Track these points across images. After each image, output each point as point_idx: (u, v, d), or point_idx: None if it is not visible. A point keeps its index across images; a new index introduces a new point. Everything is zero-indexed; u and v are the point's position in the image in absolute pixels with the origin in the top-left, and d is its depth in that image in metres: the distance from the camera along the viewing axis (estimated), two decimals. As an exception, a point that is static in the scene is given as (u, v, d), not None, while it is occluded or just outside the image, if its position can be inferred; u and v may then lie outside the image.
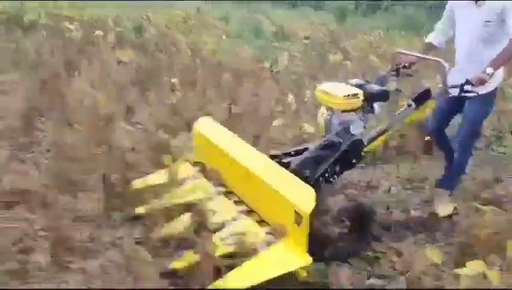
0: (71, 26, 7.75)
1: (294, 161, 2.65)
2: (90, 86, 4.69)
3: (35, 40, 6.68)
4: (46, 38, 6.91)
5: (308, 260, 2.12)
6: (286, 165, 2.57)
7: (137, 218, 2.64)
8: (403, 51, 3.22)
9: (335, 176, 2.68)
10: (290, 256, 2.14)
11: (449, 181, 3.26)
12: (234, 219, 2.38)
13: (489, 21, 2.85)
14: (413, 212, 3.13)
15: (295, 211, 2.11)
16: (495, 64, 2.75)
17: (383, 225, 2.92)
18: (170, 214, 2.51)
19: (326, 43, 9.93)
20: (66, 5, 10.27)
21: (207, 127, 2.95)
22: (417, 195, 3.48)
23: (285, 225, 2.19)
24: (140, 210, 2.63)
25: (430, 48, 3.26)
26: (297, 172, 2.47)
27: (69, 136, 3.46)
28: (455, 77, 2.86)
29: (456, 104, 3.11)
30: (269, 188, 2.28)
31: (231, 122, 3.87)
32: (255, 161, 2.49)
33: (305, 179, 2.38)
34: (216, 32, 9.97)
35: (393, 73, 3.10)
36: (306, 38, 10.46)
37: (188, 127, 3.50)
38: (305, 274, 2.16)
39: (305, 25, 12.42)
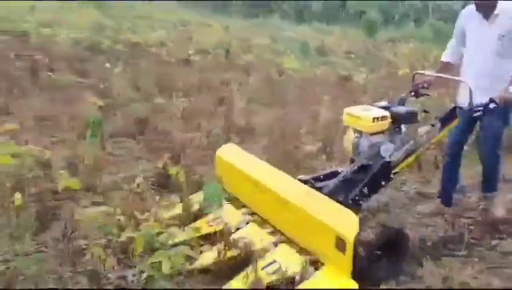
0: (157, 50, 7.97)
1: (328, 185, 2.60)
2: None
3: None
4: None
5: (354, 286, 2.07)
6: (319, 190, 2.50)
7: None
8: (421, 71, 3.21)
9: (364, 199, 2.61)
10: (336, 284, 2.09)
11: (490, 186, 3.24)
12: (273, 248, 2.32)
13: (503, 35, 2.87)
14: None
15: (338, 237, 2.06)
16: None
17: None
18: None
19: (372, 56, 9.77)
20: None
21: (232, 154, 2.88)
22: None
23: (328, 252, 2.14)
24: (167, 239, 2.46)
25: (445, 66, 3.28)
26: (332, 197, 2.40)
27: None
28: (466, 95, 2.83)
29: (474, 121, 3.10)
30: (308, 214, 2.20)
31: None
32: (287, 187, 2.43)
33: (340, 204, 2.33)
34: (272, 51, 9.71)
35: (413, 94, 3.09)
36: (348, 52, 10.24)
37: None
38: None
39: (336, 40, 12.32)
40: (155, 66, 7.01)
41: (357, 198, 2.57)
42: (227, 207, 2.68)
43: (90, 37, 9.40)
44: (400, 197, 3.55)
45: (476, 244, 2.80)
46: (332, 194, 2.47)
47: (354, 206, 2.50)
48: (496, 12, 2.90)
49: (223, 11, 18.17)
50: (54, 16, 11.41)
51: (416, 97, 3.13)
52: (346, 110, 2.71)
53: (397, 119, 2.71)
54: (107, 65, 6.00)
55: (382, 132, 2.69)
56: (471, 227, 3.01)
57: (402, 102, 2.95)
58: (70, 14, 12.47)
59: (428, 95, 3.21)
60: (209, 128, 4.13)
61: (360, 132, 2.70)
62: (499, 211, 3.19)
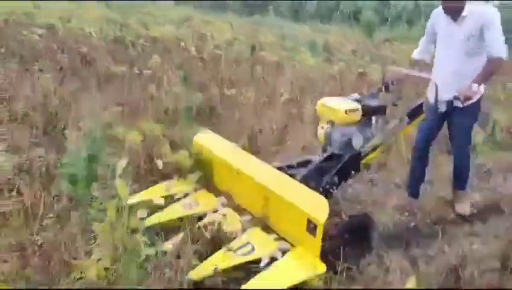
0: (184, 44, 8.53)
1: (300, 172, 2.73)
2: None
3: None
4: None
5: (322, 268, 2.16)
6: (292, 177, 2.62)
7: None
8: (393, 67, 3.42)
9: (334, 187, 2.74)
10: (305, 265, 2.15)
11: (460, 183, 3.46)
12: (244, 230, 2.38)
13: (471, 36, 2.99)
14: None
15: (309, 220, 2.14)
16: (478, 80, 2.93)
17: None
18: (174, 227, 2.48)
19: (376, 55, 10.42)
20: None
21: (208, 140, 2.93)
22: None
23: (298, 234, 2.22)
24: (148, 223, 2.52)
25: (416, 63, 3.46)
26: (304, 183, 2.52)
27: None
28: (440, 91, 3.01)
29: (442, 118, 3.27)
30: (281, 199, 2.28)
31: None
32: (262, 172, 2.51)
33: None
34: (283, 48, 10.21)
35: (383, 89, 3.24)
36: (353, 51, 10.85)
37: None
38: (319, 282, 2.20)
39: (337, 39, 12.95)
40: (189, 60, 7.50)
41: (327, 186, 2.70)
42: (203, 192, 2.75)
43: (109, 31, 9.79)
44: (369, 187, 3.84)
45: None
46: (304, 181, 2.58)
47: (325, 193, 2.64)
48: (463, 14, 3.00)
49: (219, 9, 18.55)
50: (64, 11, 11.70)
51: (387, 92, 3.26)
52: (321, 101, 2.87)
53: (368, 112, 2.87)
54: (156, 57, 6.45)
55: (354, 124, 2.84)
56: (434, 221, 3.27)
57: (373, 96, 3.14)
58: (79, 9, 12.78)
59: (399, 90, 3.33)
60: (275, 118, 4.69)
61: (333, 123, 2.84)
62: (463, 209, 3.41)
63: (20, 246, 2.15)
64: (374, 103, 2.95)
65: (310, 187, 2.47)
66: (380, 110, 2.98)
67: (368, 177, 4.04)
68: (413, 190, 3.53)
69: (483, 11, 2.97)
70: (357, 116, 2.82)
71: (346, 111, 2.76)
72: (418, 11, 16.61)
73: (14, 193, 2.72)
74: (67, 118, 4.07)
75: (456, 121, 3.22)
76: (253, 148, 3.99)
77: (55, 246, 2.21)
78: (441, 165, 4.22)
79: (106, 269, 2.03)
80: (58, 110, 3.95)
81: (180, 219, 2.55)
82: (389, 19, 16.07)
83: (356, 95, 3.02)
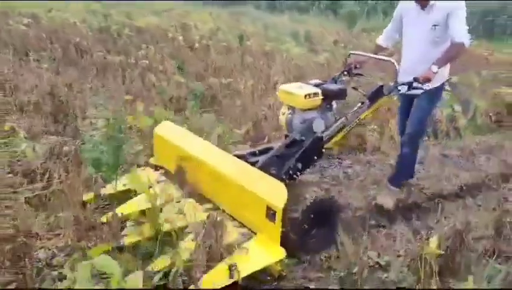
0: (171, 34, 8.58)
1: (261, 159, 2.72)
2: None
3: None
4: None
5: (282, 254, 2.16)
6: (253, 164, 2.61)
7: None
8: (355, 52, 3.36)
9: (298, 173, 2.71)
10: (265, 251, 2.15)
11: (397, 178, 3.46)
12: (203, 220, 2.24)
13: (437, 25, 3.03)
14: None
15: (268, 207, 2.13)
16: (439, 63, 2.92)
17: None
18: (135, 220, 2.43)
19: (357, 45, 10.74)
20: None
21: (169, 131, 2.90)
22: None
23: (259, 222, 2.21)
24: (104, 219, 2.43)
25: (380, 49, 3.48)
26: (265, 170, 2.51)
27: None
28: (406, 77, 3.02)
29: (411, 101, 3.31)
30: (240, 187, 2.27)
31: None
32: (222, 161, 2.49)
33: (273, 177, 2.44)
34: (267, 39, 10.39)
35: (346, 73, 3.23)
36: (335, 42, 11.14)
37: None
38: (279, 268, 2.24)
39: (317, 29, 13.22)
40: (178, 49, 7.61)
41: (291, 172, 2.66)
42: (166, 183, 2.68)
43: (93, 21, 9.75)
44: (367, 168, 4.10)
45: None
46: (265, 168, 2.56)
47: (288, 179, 2.63)
48: (431, 3, 3.03)
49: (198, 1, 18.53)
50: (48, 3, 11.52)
51: (350, 76, 3.27)
52: (281, 87, 2.85)
53: (328, 96, 2.83)
54: (151, 48, 6.53)
55: (314, 108, 2.80)
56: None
57: (334, 80, 3.11)
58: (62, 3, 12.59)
59: (361, 74, 3.34)
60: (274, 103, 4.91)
61: (294, 108, 2.81)
62: (386, 202, 3.34)
63: (74, 222, 2.30)
64: (333, 87, 2.92)
65: (270, 174, 2.46)
66: (341, 94, 2.94)
67: (365, 159, 4.36)
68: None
69: (450, 0, 3.00)
70: (317, 100, 2.79)
71: (305, 96, 2.72)
72: (392, 2, 17.09)
73: (46, 177, 2.85)
74: (75, 106, 4.17)
75: (413, 107, 3.28)
76: (258, 133, 4.20)
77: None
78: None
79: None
80: (68, 99, 4.03)
81: (143, 211, 2.45)
82: (366, 10, 16.47)
83: (317, 80, 2.97)
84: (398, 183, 3.45)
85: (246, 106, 4.72)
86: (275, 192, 2.17)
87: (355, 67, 3.26)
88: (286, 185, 2.34)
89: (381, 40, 3.49)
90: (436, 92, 3.23)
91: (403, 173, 3.49)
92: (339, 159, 4.34)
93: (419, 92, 3.03)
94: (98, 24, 9.23)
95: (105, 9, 12.29)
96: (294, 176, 2.69)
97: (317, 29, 13.21)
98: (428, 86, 3.03)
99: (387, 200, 3.34)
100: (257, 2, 19.29)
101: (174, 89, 4.84)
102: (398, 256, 2.71)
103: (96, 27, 8.99)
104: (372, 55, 3.25)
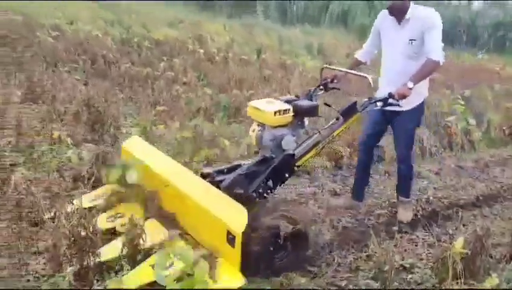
0: (191, 46, 8.90)
1: (228, 178, 2.61)
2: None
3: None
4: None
5: (242, 281, 2.08)
6: (219, 183, 2.56)
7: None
8: (329, 66, 3.33)
9: (269, 191, 2.64)
10: (225, 277, 2.05)
11: (405, 190, 3.50)
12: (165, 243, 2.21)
13: (414, 39, 2.99)
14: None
15: (228, 231, 2.06)
16: (414, 79, 2.89)
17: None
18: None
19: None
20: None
21: (136, 147, 2.82)
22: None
23: (219, 246, 2.13)
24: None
25: (358, 63, 3.43)
26: (230, 190, 2.45)
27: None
28: (383, 92, 3.00)
29: (386, 119, 3.28)
30: (201, 209, 2.19)
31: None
32: (185, 181, 2.40)
33: (239, 197, 2.37)
34: (279, 51, 10.65)
35: (321, 88, 3.17)
36: (348, 54, 11.37)
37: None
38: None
39: (330, 41, 13.46)
40: (199, 61, 7.89)
41: (261, 190, 2.57)
42: (131, 203, 2.59)
43: (115, 33, 10.08)
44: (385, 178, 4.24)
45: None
46: (231, 187, 2.49)
47: (258, 198, 2.55)
48: (407, 17, 3.00)
49: (207, 10, 18.84)
50: (61, 11, 11.91)
51: (325, 91, 3.19)
52: (250, 103, 2.75)
53: (299, 113, 2.74)
54: (167, 58, 6.81)
55: (285, 125, 2.72)
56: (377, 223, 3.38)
57: (309, 96, 3.03)
58: (73, 8, 13.00)
59: (338, 89, 3.27)
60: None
61: (264, 125, 2.72)
62: (405, 216, 3.43)
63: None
64: (305, 103, 2.81)
65: (236, 194, 2.41)
66: (312, 111, 2.82)
67: (384, 169, 4.57)
68: (357, 193, 3.60)
69: (426, 15, 2.98)
70: (288, 117, 2.71)
71: (275, 113, 2.63)
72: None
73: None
74: (111, 115, 4.43)
75: (396, 124, 3.26)
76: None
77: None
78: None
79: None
80: (105, 109, 4.29)
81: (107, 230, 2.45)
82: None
83: (288, 96, 2.90)
84: (407, 193, 3.50)
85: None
86: (235, 216, 2.08)
87: (332, 82, 3.22)
88: (255, 204, 2.38)
89: (359, 54, 3.44)
90: (417, 112, 3.22)
91: (407, 183, 3.50)
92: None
93: (397, 109, 3.01)
94: (120, 36, 9.54)
95: (117, 17, 12.59)
96: (265, 194, 2.61)
97: (329, 41, 13.47)
98: (406, 107, 3.03)
99: (406, 214, 3.45)
100: (266, 13, 19.53)
101: (201, 100, 5.09)
102: (421, 259, 2.92)
103: (118, 39, 9.31)
104: (346, 70, 3.22)
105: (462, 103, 5.79)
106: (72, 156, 3.46)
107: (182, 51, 8.67)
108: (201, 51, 8.53)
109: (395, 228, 3.29)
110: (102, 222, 2.46)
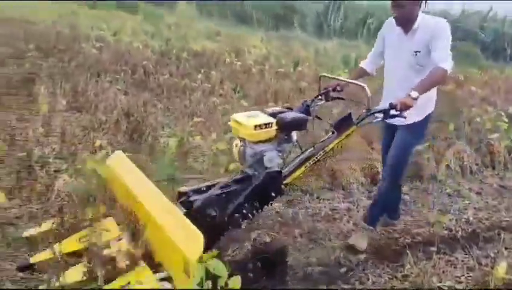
0: (228, 58, 8.99)
1: (200, 198, 2.33)
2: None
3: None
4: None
5: None
6: (192, 203, 2.32)
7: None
8: (326, 74, 3.12)
9: (254, 212, 2.41)
10: None
11: (373, 216, 3.20)
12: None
13: (419, 51, 2.82)
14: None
15: (184, 259, 1.88)
16: (419, 88, 2.67)
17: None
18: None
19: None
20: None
21: (118, 163, 2.65)
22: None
23: (177, 274, 1.98)
24: (36, 259, 2.28)
25: (363, 73, 3.24)
26: (202, 211, 2.25)
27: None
28: (385, 104, 2.80)
29: (393, 134, 3.06)
30: (163, 234, 2.02)
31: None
32: (154, 202, 2.19)
33: (212, 219, 2.22)
34: (316, 64, 10.66)
35: (320, 98, 2.97)
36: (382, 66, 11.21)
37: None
38: None
39: (367, 54, 13.31)
40: (235, 73, 7.99)
41: (244, 211, 2.35)
42: (108, 220, 2.43)
43: (155, 44, 10.37)
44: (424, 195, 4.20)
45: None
46: (203, 209, 2.28)
47: (241, 219, 2.35)
48: (415, 26, 2.83)
49: (245, 24, 19.10)
50: (106, 23, 12.39)
51: (327, 100, 3.00)
52: (233, 116, 2.52)
53: (285, 127, 2.46)
54: (204, 70, 6.94)
55: (268, 140, 2.46)
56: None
57: (305, 107, 2.78)
58: (118, 20, 13.50)
59: (342, 98, 3.05)
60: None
61: (245, 140, 2.48)
62: (358, 242, 3.14)
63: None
64: (291, 116, 2.50)
65: (207, 215, 2.25)
66: (298, 125, 2.52)
67: (422, 186, 4.46)
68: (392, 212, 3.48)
69: (435, 24, 2.79)
70: (270, 132, 2.44)
71: (255, 127, 2.37)
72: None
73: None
74: (149, 125, 4.55)
75: (395, 136, 3.05)
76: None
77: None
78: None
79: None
80: (144, 119, 4.41)
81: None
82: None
83: (276, 108, 2.66)
84: (371, 221, 3.19)
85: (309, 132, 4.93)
86: (191, 243, 1.88)
87: (334, 90, 3.01)
88: (238, 226, 2.27)
89: (364, 64, 3.25)
90: (419, 127, 3.00)
91: (377, 209, 3.21)
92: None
93: (401, 121, 2.77)
94: (159, 48, 9.81)
95: (156, 29, 12.97)
96: (250, 215, 2.37)
97: (366, 54, 13.26)
98: (408, 121, 2.81)
99: (359, 241, 3.13)
100: (303, 26, 19.62)
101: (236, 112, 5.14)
102: (459, 282, 2.82)
103: (158, 50, 9.57)
104: (343, 78, 3.02)
105: (506, 120, 5.57)
106: (111, 164, 3.56)
107: (219, 63, 8.81)
108: (238, 63, 8.63)
109: (433, 249, 3.19)
110: (73, 243, 2.32)
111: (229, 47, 11.83)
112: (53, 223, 2.47)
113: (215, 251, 1.90)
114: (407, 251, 2.87)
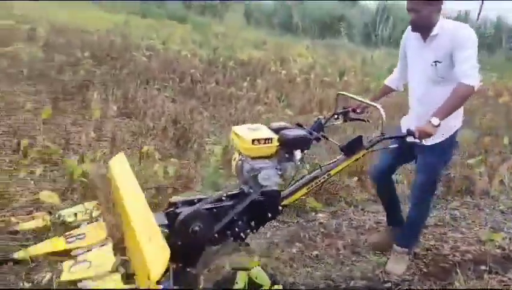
0: (273, 67, 9.09)
1: (185, 211, 2.18)
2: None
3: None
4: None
5: None
6: (177, 215, 2.18)
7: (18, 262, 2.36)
8: (345, 93, 2.84)
9: (248, 231, 2.30)
10: None
11: (405, 239, 2.98)
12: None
13: (438, 61, 2.52)
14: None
15: (148, 275, 1.75)
16: (440, 114, 2.39)
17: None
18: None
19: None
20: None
21: (117, 165, 2.58)
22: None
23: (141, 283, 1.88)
24: (21, 254, 2.33)
25: (388, 91, 3.04)
26: (185, 225, 2.11)
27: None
28: (408, 123, 2.64)
29: (407, 149, 2.76)
30: (137, 245, 1.91)
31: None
32: (136, 211, 2.08)
33: (194, 234, 2.10)
34: (362, 74, 10.53)
35: (336, 117, 2.83)
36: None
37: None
38: None
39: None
40: (280, 82, 8.02)
41: (237, 229, 2.26)
42: (99, 223, 2.47)
43: (202, 53, 10.61)
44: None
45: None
46: (187, 222, 2.13)
47: (236, 239, 2.27)
48: (434, 32, 2.53)
49: (291, 33, 19.13)
50: (156, 32, 12.80)
51: (345, 121, 2.87)
52: (234, 128, 2.40)
53: (287, 144, 2.31)
54: (250, 79, 7.02)
55: (267, 156, 2.30)
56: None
57: (319, 124, 2.61)
58: (167, 30, 13.91)
59: (362, 120, 2.93)
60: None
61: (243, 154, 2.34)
62: (395, 269, 2.94)
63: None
64: (293, 133, 2.34)
65: (193, 230, 2.12)
66: (301, 143, 2.35)
67: (473, 202, 4.27)
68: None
69: (457, 30, 2.48)
70: (271, 148, 2.28)
71: (253, 141, 2.23)
72: (499, 37, 16.28)
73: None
74: (195, 132, 4.64)
75: (419, 158, 2.78)
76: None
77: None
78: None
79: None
80: (190, 126, 4.51)
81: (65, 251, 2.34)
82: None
83: (281, 123, 2.48)
84: (407, 242, 2.99)
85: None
86: (157, 259, 1.76)
87: (354, 111, 2.86)
88: (226, 243, 2.21)
89: (389, 80, 3.02)
90: (445, 146, 2.69)
91: (411, 232, 3.00)
92: (445, 200, 4.30)
93: (418, 143, 2.52)
94: (207, 56, 10.01)
95: (205, 39, 13.25)
96: (241, 234, 2.27)
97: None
98: (431, 141, 2.54)
99: (395, 268, 2.94)
100: (350, 36, 19.40)
101: (281, 121, 5.14)
102: (513, 305, 2.68)
103: (205, 59, 9.77)
104: (358, 98, 2.69)
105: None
106: (158, 169, 3.66)
107: (265, 72, 8.87)
108: (284, 71, 8.65)
109: (484, 268, 3.05)
110: (60, 243, 2.35)
111: (275, 56, 11.91)
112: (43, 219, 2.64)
113: (257, 260, 1.89)
114: (457, 269, 2.75)
